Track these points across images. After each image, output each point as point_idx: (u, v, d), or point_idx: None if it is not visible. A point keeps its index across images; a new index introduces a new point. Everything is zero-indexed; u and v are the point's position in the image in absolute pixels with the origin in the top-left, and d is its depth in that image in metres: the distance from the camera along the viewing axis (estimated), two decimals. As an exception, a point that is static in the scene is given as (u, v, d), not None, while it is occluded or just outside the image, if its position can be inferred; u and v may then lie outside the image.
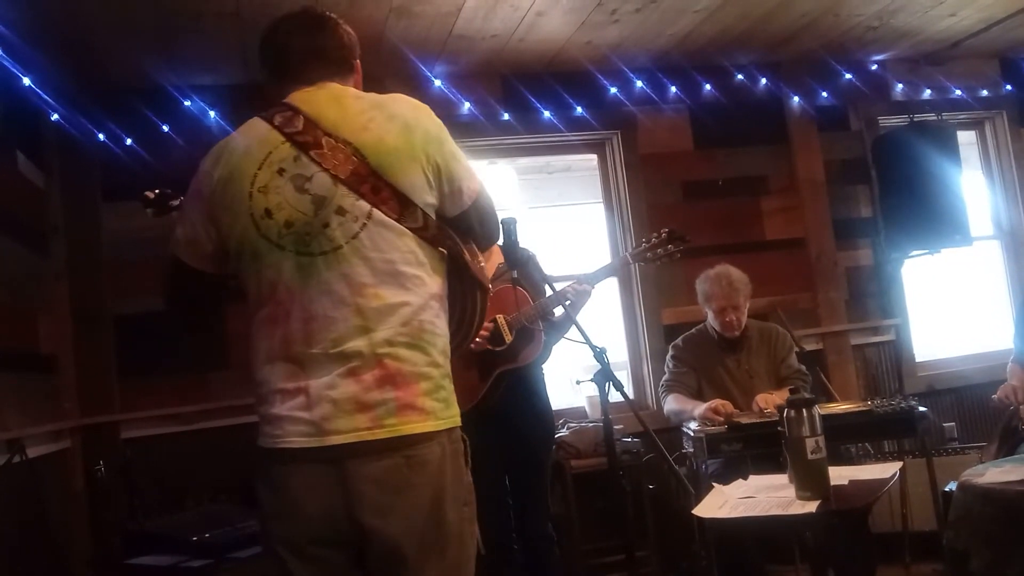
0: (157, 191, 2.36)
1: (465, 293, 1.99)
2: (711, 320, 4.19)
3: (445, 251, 1.90)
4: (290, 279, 1.78)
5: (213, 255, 1.91)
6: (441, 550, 1.79)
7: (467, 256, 1.96)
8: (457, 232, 1.95)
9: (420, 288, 1.82)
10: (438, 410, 1.80)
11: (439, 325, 1.87)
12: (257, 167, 1.82)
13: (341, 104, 1.87)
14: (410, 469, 1.74)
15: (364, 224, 1.78)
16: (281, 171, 1.80)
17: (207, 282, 1.96)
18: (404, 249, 1.81)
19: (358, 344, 1.75)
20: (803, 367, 4.22)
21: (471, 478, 1.90)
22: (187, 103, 4.39)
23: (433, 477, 1.77)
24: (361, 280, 1.77)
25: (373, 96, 1.92)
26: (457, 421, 1.86)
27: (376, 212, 1.78)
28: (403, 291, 1.80)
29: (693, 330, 4.34)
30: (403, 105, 1.90)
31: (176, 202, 2.32)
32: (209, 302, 2.07)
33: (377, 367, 1.75)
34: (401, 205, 1.80)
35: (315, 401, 1.74)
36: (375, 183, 1.79)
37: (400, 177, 1.80)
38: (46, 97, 4.07)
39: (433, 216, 1.86)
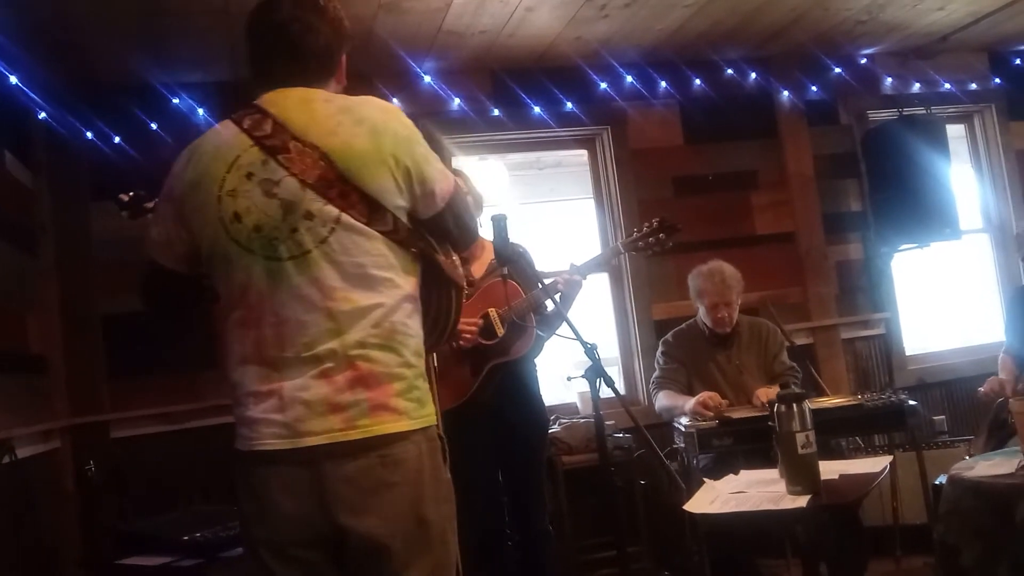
0: (131, 193, 2.36)
1: (440, 293, 1.99)
2: (702, 316, 4.20)
3: (417, 252, 1.90)
4: (260, 283, 1.79)
5: (186, 256, 1.92)
6: (425, 549, 1.80)
7: (440, 257, 1.96)
8: (433, 234, 1.96)
9: (392, 290, 1.83)
10: (411, 410, 1.81)
11: (411, 326, 1.87)
12: (226, 170, 1.82)
13: (310, 107, 1.86)
14: (385, 468, 1.75)
15: (332, 228, 1.78)
16: (250, 175, 1.80)
17: (182, 282, 1.97)
18: (374, 252, 1.81)
19: (330, 346, 1.76)
20: (795, 364, 4.24)
21: (449, 476, 1.91)
22: (176, 101, 4.37)
23: (410, 476, 1.78)
24: (331, 284, 1.78)
25: (343, 99, 1.90)
26: (433, 420, 1.87)
27: (344, 216, 1.78)
28: (374, 293, 1.80)
29: (683, 325, 4.34)
30: (372, 108, 1.88)
31: (151, 204, 2.33)
32: (184, 301, 2.07)
33: (349, 369, 1.76)
34: (370, 209, 1.80)
35: (288, 403, 1.76)
36: (343, 188, 1.78)
37: (368, 181, 1.80)
38: (34, 96, 4.05)
39: (404, 219, 1.86)
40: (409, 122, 1.91)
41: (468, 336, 3.41)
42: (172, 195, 1.90)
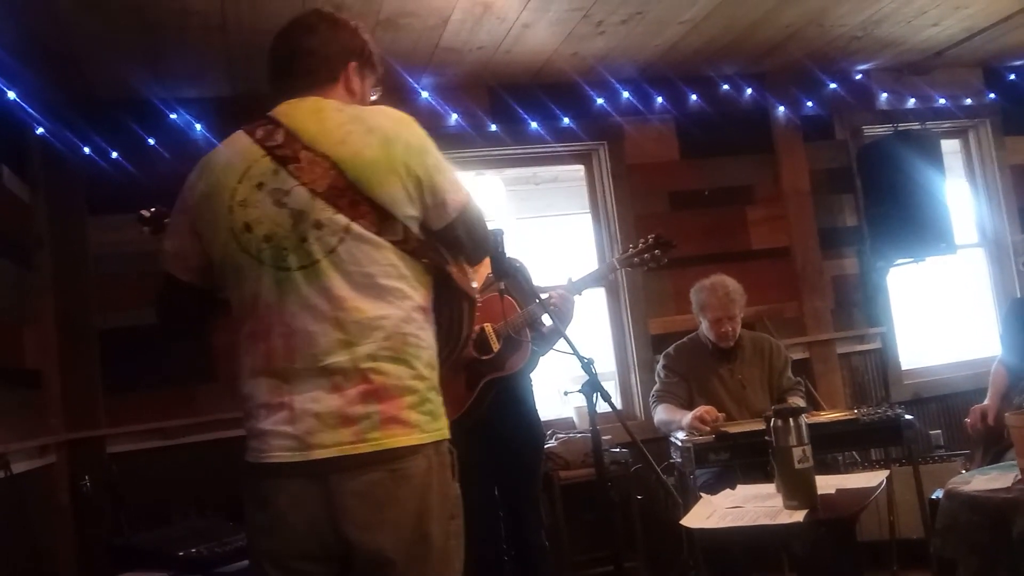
0: (153, 209, 2.36)
1: (452, 304, 1.98)
2: (705, 330, 4.19)
3: (428, 263, 1.89)
4: (269, 294, 1.79)
5: (200, 268, 1.92)
6: (425, 565, 1.77)
7: (452, 268, 1.94)
8: (445, 245, 1.94)
9: (402, 301, 1.81)
10: (423, 423, 1.79)
11: (424, 337, 1.85)
12: (237, 181, 1.82)
13: (320, 117, 1.86)
14: (394, 483, 1.73)
15: (342, 238, 1.77)
16: (260, 185, 1.80)
17: (196, 295, 1.96)
18: (384, 262, 1.79)
19: (340, 358, 1.75)
20: (800, 379, 4.26)
21: (458, 491, 1.89)
22: (173, 116, 4.38)
23: (418, 490, 1.76)
24: (340, 294, 1.76)
25: (355, 108, 1.91)
26: (445, 434, 1.85)
27: (354, 226, 1.77)
28: (384, 304, 1.79)
29: (685, 339, 4.33)
30: (384, 117, 1.88)
31: (169, 220, 2.34)
32: (198, 314, 2.06)
33: (361, 381, 1.74)
34: (380, 218, 1.79)
35: (298, 415, 1.74)
36: (353, 197, 1.78)
37: (378, 190, 1.79)
38: (31, 111, 4.06)
39: (415, 228, 1.85)
40: (422, 132, 1.91)
41: None
42: (186, 207, 1.91)
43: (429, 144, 1.90)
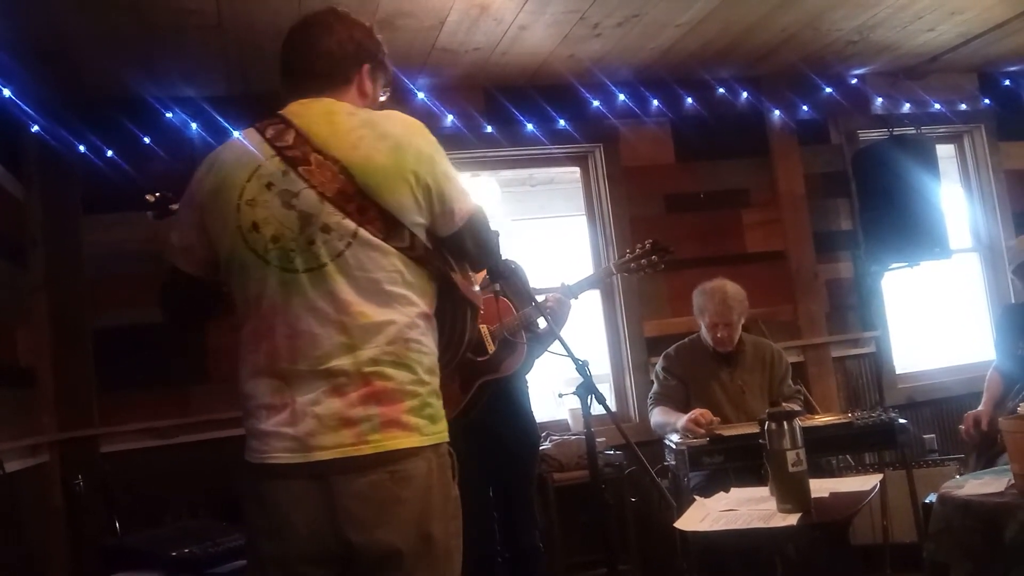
0: (158, 194, 2.34)
1: (455, 311, 1.99)
2: (704, 333, 4.19)
3: (433, 270, 1.89)
4: (274, 294, 1.79)
5: (206, 262, 1.91)
6: (429, 565, 1.78)
7: (456, 276, 1.95)
8: (451, 252, 1.95)
9: (406, 307, 1.82)
10: (423, 426, 1.80)
11: (426, 343, 1.86)
12: (246, 179, 1.82)
13: (332, 120, 1.86)
14: (395, 484, 1.74)
15: (349, 243, 1.77)
16: (269, 185, 1.80)
17: (202, 288, 1.96)
18: (390, 268, 1.80)
19: (343, 362, 1.75)
20: (800, 387, 4.26)
21: (458, 492, 1.90)
22: (168, 115, 4.37)
23: (419, 492, 1.77)
24: (346, 298, 1.77)
25: (366, 113, 1.90)
26: (444, 437, 1.86)
27: (361, 231, 1.78)
28: (388, 309, 1.80)
29: (687, 340, 4.31)
30: (396, 123, 1.88)
31: (175, 206, 2.32)
32: (204, 307, 2.06)
33: (363, 385, 1.75)
34: (387, 225, 1.80)
35: (300, 417, 1.74)
36: (361, 202, 1.78)
37: (387, 197, 1.80)
38: (26, 108, 4.05)
39: (422, 236, 1.86)
40: (433, 139, 1.91)
41: None
42: (193, 201, 1.91)
43: (439, 152, 1.90)
